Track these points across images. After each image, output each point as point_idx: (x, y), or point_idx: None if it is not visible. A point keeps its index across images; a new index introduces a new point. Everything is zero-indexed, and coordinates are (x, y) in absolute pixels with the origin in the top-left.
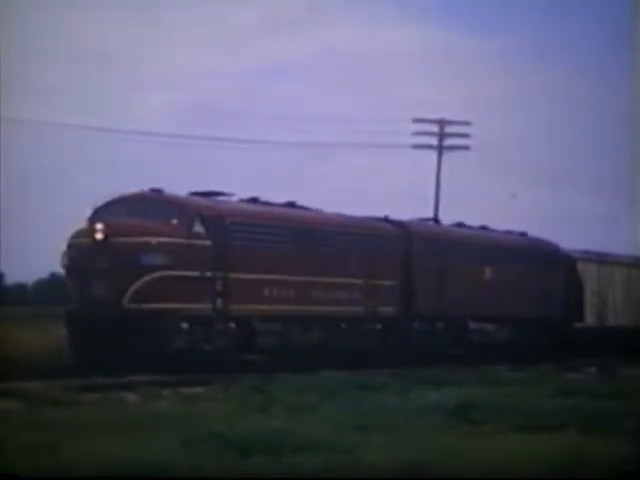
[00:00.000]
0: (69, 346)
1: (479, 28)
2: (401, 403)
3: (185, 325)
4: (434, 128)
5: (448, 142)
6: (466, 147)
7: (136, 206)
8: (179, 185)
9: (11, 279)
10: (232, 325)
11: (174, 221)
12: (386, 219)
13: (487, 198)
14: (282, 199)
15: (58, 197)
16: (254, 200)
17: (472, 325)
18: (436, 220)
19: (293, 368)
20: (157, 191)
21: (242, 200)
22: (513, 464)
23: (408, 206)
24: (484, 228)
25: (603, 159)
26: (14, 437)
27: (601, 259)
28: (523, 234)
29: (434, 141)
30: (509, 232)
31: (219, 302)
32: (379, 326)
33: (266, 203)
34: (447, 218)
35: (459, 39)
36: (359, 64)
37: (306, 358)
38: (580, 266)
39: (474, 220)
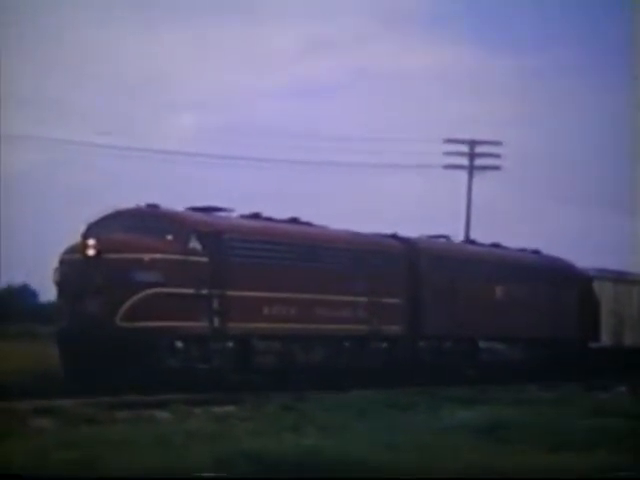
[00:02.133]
0: (60, 365)
1: (511, 47)
2: (431, 422)
3: (180, 344)
4: (465, 148)
5: (479, 162)
6: (497, 167)
7: (131, 221)
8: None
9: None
10: (230, 344)
11: (169, 237)
12: (394, 236)
13: (518, 217)
14: (314, 219)
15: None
16: (256, 216)
17: (483, 344)
18: (446, 237)
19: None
20: (153, 206)
21: (243, 216)
22: None
23: (440, 226)
24: (496, 245)
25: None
26: (49, 454)
27: (618, 277)
28: (536, 252)
29: (465, 161)
30: (522, 250)
31: (216, 320)
32: (384, 345)
33: (268, 219)
34: (479, 238)
35: (490, 58)
36: (391, 84)
37: (309, 378)
38: (596, 285)
39: (503, 240)
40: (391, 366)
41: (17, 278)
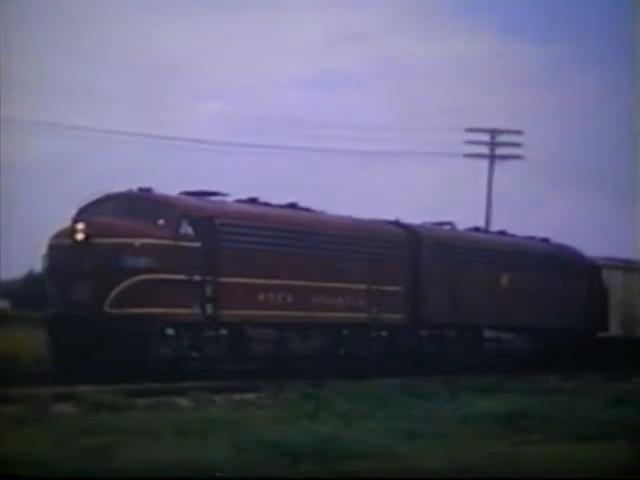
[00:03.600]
0: (49, 351)
1: (536, 37)
2: (451, 411)
3: (171, 331)
4: (486, 137)
5: (500, 151)
6: (518, 156)
7: (122, 205)
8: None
9: None
10: (223, 331)
11: (160, 221)
12: (395, 222)
13: (539, 207)
14: (334, 207)
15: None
16: (252, 201)
17: (488, 334)
18: (451, 224)
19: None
20: (145, 190)
21: (238, 201)
22: (562, 474)
23: (460, 215)
24: (502, 233)
25: None
26: (70, 440)
27: (627, 266)
28: (545, 240)
29: (486, 150)
30: (530, 238)
31: (209, 307)
32: (385, 333)
33: (264, 204)
34: (499, 227)
35: (516, 48)
36: (415, 74)
37: (305, 366)
38: (605, 273)
39: (525, 230)
40: (392, 355)
41: (38, 265)
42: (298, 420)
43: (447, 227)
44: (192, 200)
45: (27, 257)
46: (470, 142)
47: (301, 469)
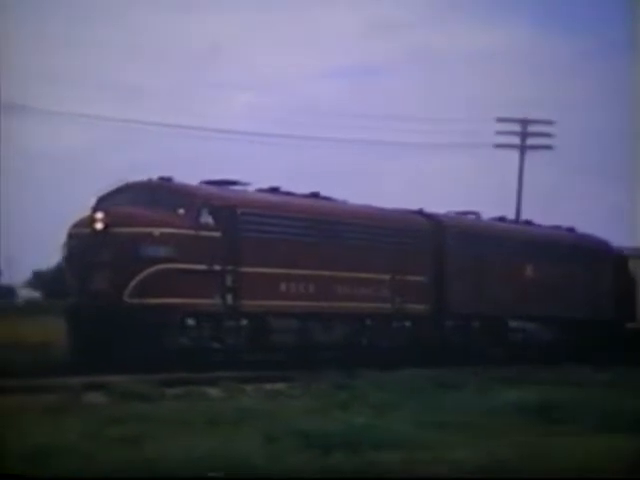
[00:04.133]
0: (69, 341)
1: (561, 30)
2: (481, 401)
3: (191, 321)
4: (517, 127)
5: (531, 142)
6: (549, 147)
7: (142, 195)
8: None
9: None
10: (244, 322)
11: (180, 210)
12: (419, 212)
13: (569, 198)
14: (363, 197)
15: None
16: (274, 190)
17: (514, 324)
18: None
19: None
20: (166, 179)
21: (260, 190)
22: (592, 465)
23: (491, 206)
24: (528, 223)
25: None
26: (100, 430)
27: None
28: (571, 229)
29: (517, 141)
30: (556, 227)
31: (229, 297)
32: (408, 324)
33: (287, 193)
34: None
35: (543, 40)
36: (447, 64)
37: (327, 357)
38: (632, 263)
39: (554, 220)
40: (415, 345)
41: None
42: (330, 410)
43: (472, 217)
44: (213, 189)
45: (58, 247)
46: (500, 132)
47: (332, 459)
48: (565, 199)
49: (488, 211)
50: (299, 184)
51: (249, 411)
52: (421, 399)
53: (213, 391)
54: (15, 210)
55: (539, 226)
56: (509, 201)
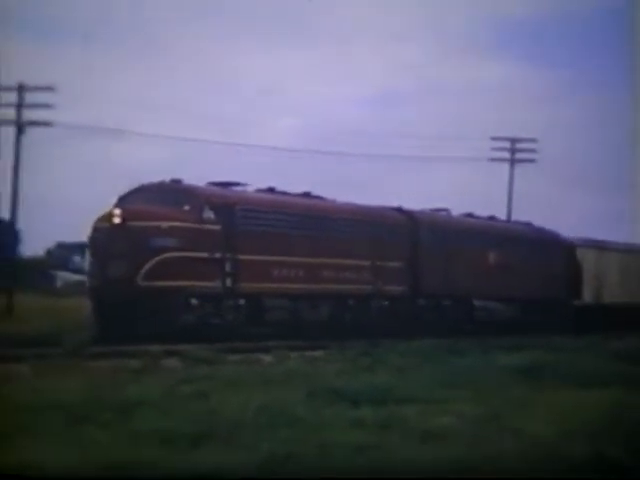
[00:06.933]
0: (93, 318)
1: (546, 61)
2: (483, 364)
3: (195, 301)
4: (507, 144)
5: (518, 156)
6: (532, 160)
7: (153, 194)
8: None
9: None
10: (241, 301)
11: (186, 207)
12: (398, 209)
13: (548, 204)
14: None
15: None
16: (270, 190)
17: (478, 303)
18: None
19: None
20: (176, 181)
21: (258, 190)
22: (576, 414)
23: (485, 209)
24: (492, 218)
25: None
26: (176, 387)
27: (599, 246)
28: (528, 224)
29: (507, 155)
30: (515, 222)
31: (228, 281)
32: (386, 303)
33: (282, 193)
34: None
35: (531, 73)
36: (452, 95)
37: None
38: (580, 252)
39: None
40: (392, 321)
41: None
42: (358, 372)
43: (443, 213)
44: (214, 189)
45: None
46: (494, 149)
47: (359, 411)
48: (545, 204)
49: (482, 213)
50: (328, 190)
51: (294, 373)
52: (434, 363)
53: (266, 357)
54: None
55: (501, 221)
56: (501, 204)
